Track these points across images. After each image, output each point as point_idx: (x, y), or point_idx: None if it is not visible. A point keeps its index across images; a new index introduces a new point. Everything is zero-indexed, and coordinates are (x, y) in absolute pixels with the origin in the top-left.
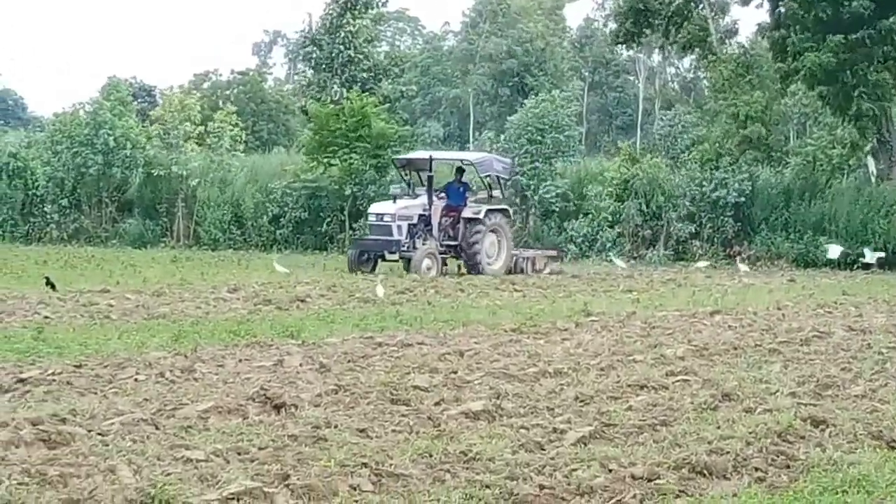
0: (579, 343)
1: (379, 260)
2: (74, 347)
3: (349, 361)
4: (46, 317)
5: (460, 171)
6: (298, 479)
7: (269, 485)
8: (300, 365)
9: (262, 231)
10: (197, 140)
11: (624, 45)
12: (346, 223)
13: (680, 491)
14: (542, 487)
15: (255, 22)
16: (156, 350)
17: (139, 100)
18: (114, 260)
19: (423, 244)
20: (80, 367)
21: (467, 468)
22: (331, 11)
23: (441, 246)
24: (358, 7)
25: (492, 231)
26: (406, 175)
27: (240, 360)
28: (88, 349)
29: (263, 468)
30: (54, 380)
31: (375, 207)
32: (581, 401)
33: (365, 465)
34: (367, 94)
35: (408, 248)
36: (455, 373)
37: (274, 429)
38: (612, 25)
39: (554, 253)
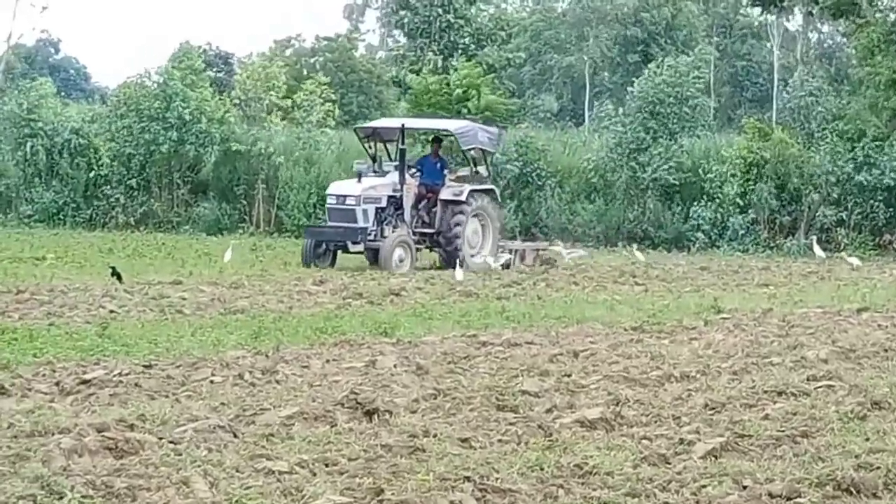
0: (709, 343)
1: (339, 251)
2: (143, 345)
3: (450, 363)
4: (112, 311)
5: (437, 141)
6: (393, 494)
7: (361, 500)
8: (395, 366)
9: None
10: (282, 114)
11: (762, 8)
12: None
13: None
14: None
15: None
16: (234, 349)
17: (214, 68)
18: (186, 248)
19: (393, 232)
20: (149, 368)
21: (583, 483)
22: None
23: (414, 234)
24: None
25: (475, 216)
26: (371, 148)
27: (327, 361)
28: (159, 347)
29: (354, 482)
30: (121, 381)
31: (335, 187)
32: (711, 408)
33: (468, 478)
34: (471, 62)
35: (375, 236)
36: (569, 376)
37: (366, 438)
38: None
39: (545, 245)
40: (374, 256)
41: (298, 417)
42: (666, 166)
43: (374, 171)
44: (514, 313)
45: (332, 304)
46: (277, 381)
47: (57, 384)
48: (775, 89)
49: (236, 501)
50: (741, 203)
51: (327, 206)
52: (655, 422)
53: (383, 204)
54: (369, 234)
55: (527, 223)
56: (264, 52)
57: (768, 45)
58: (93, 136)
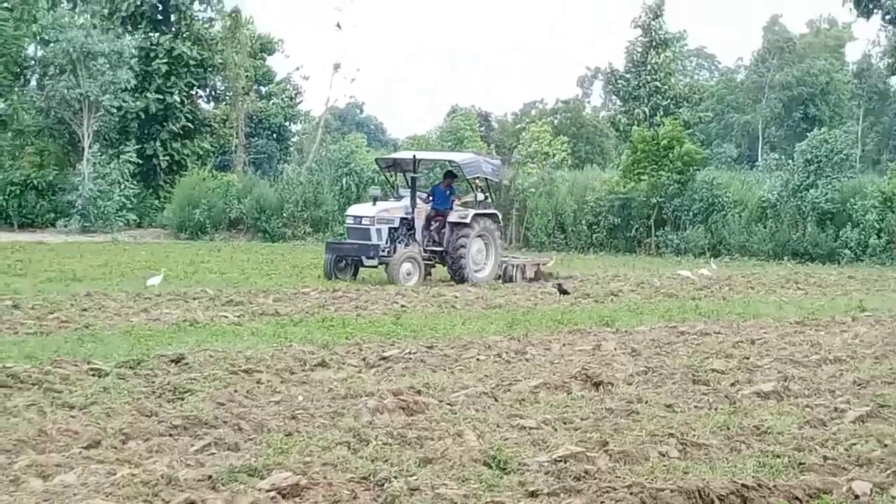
0: (856, 335)
1: (358, 266)
2: (426, 331)
3: (656, 347)
4: (403, 306)
5: (450, 175)
6: (615, 445)
7: (591, 450)
8: (615, 349)
9: (580, 235)
10: (537, 159)
11: None
12: (652, 229)
13: None
14: (825, 458)
15: (580, 59)
16: (494, 335)
17: (478, 124)
18: None
19: (405, 249)
20: (431, 348)
21: (759, 440)
22: (637, 48)
23: (425, 252)
24: (661, 45)
25: (479, 236)
26: (391, 176)
27: (563, 345)
28: (438, 333)
29: (586, 436)
30: (410, 358)
31: (353, 210)
32: (859, 385)
33: (672, 435)
34: (673, 119)
35: (388, 253)
36: (747, 358)
37: (594, 403)
38: (888, 60)
39: (546, 260)
40: (387, 270)
41: (543, 387)
42: (822, 199)
43: (393, 196)
44: (705, 310)
45: (567, 302)
46: (526, 360)
47: (363, 359)
48: None
49: (497, 449)
50: (879, 227)
51: (346, 225)
52: (815, 394)
53: (396, 224)
54: (382, 251)
55: (713, 241)
56: (515, 112)
57: None
58: None
